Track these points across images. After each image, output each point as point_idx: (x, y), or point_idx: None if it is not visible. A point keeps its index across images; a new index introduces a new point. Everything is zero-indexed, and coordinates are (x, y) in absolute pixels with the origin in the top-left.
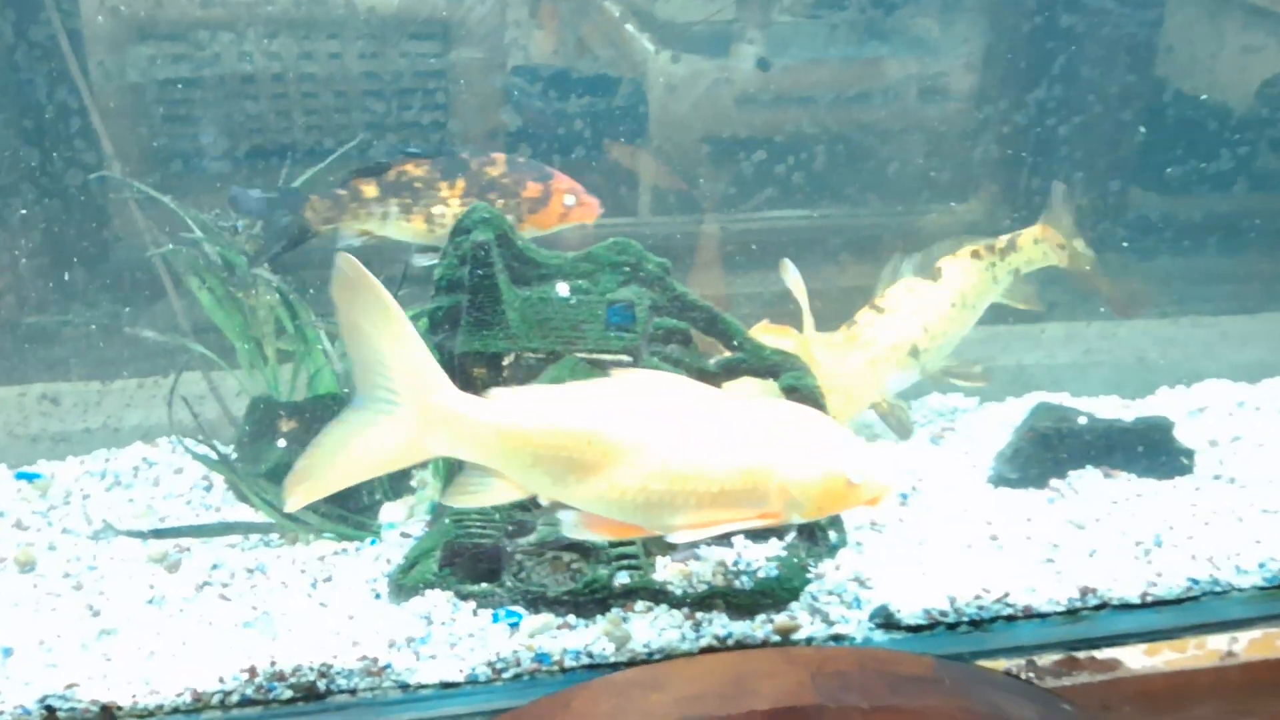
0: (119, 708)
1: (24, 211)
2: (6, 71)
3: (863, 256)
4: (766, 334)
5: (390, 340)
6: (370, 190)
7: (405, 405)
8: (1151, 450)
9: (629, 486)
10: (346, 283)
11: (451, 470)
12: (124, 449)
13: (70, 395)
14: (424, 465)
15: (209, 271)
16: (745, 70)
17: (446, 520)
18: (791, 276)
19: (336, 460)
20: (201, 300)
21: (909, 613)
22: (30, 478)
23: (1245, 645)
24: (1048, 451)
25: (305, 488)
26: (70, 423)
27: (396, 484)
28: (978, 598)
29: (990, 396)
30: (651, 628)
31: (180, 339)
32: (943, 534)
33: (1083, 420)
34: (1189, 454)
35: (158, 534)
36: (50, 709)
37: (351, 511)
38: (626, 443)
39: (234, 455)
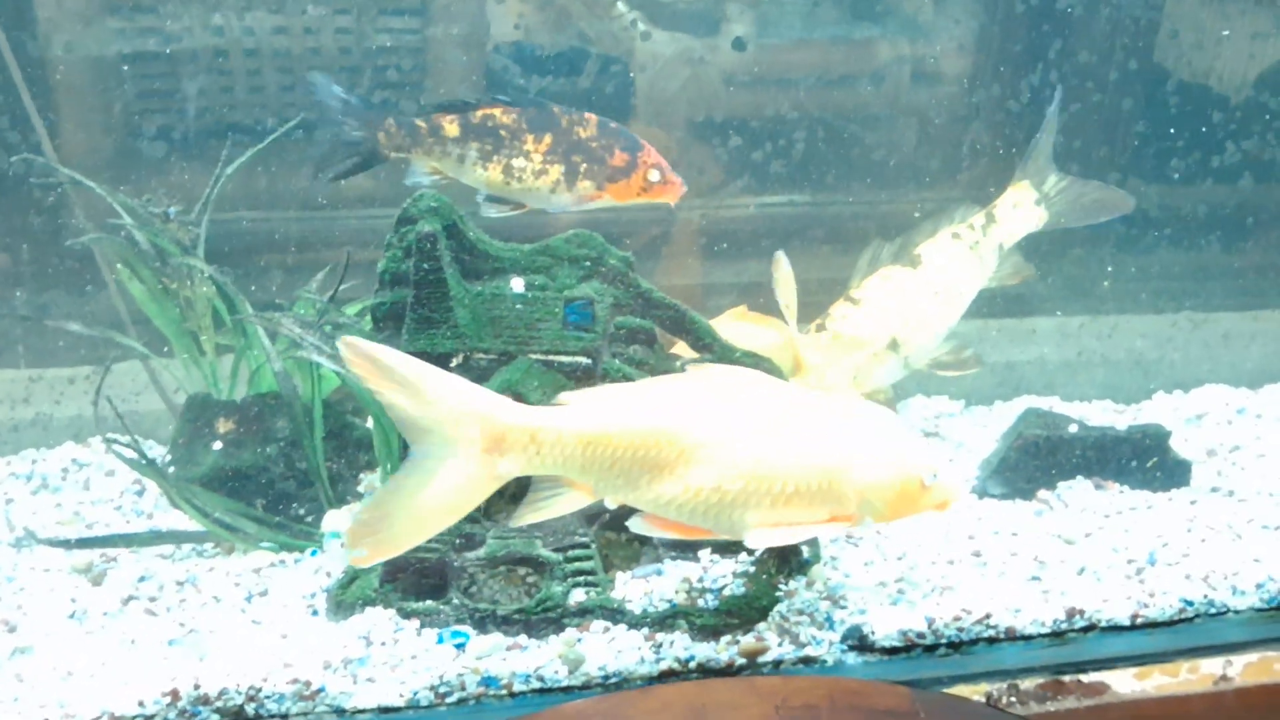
0: None
1: None
2: None
3: (842, 244)
4: (745, 320)
5: (426, 394)
6: (451, 128)
7: (466, 443)
8: (1146, 460)
9: (704, 487)
10: (359, 360)
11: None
12: (53, 449)
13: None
14: (371, 469)
15: (139, 261)
16: (729, 50)
17: None
18: (782, 271)
19: (411, 513)
20: (132, 291)
21: (884, 634)
22: None
23: (1240, 669)
24: (1036, 461)
25: (375, 543)
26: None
27: (340, 489)
28: (958, 619)
29: (977, 399)
30: (608, 649)
31: (109, 333)
32: (922, 549)
33: (1074, 428)
34: (1186, 465)
35: (83, 543)
36: None
37: (292, 519)
38: (705, 442)
39: (168, 457)
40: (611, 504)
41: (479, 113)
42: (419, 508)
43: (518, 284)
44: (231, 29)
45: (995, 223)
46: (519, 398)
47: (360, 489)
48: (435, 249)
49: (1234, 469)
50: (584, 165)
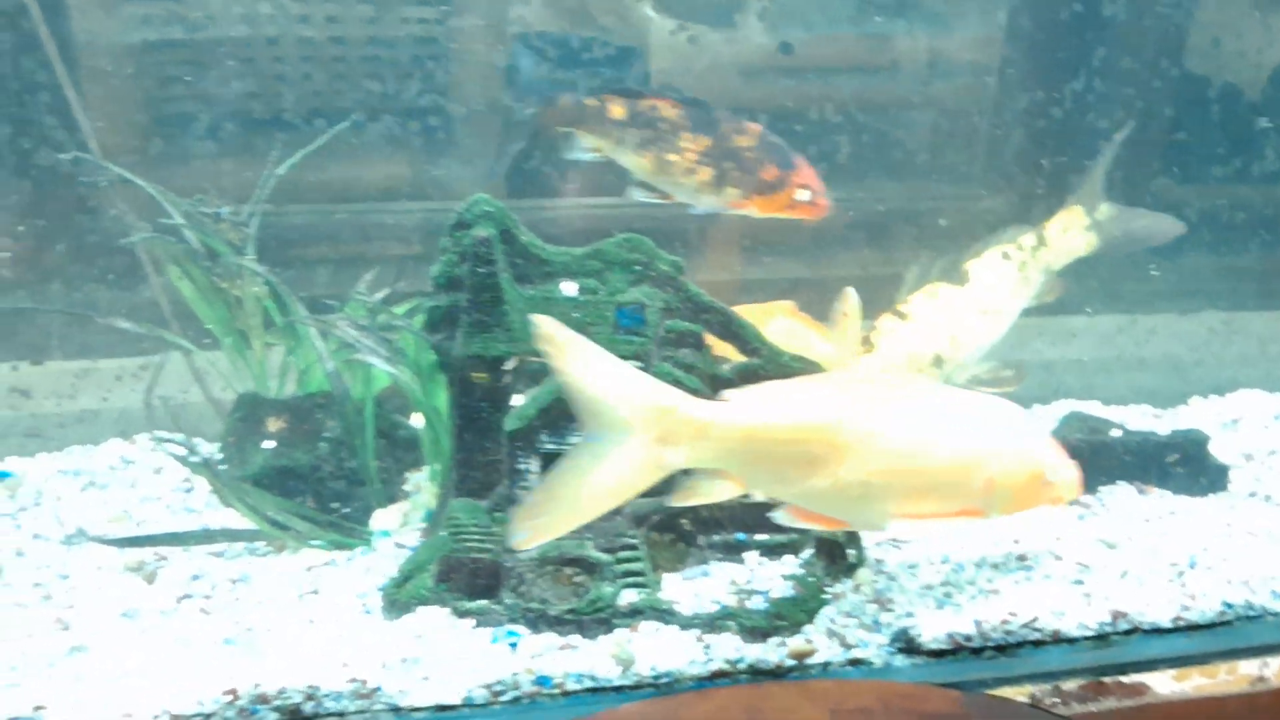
0: None
1: None
2: None
3: (867, 243)
4: (792, 319)
5: (608, 380)
6: (618, 110)
7: (639, 431)
8: (1186, 465)
9: (850, 481)
10: (550, 341)
11: (447, 477)
12: (99, 446)
13: (42, 384)
14: (417, 468)
15: (190, 260)
16: (753, 42)
17: (443, 532)
18: (850, 306)
19: (576, 496)
20: (182, 290)
21: (931, 636)
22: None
23: (1276, 670)
24: (1079, 465)
25: (539, 524)
26: (43, 415)
27: (389, 488)
28: (1004, 622)
29: (1016, 402)
30: (659, 649)
31: (158, 330)
32: (966, 552)
33: (1116, 432)
34: (1223, 470)
35: (134, 541)
36: None
37: (342, 518)
38: (855, 437)
39: (218, 456)
40: (759, 496)
41: (646, 101)
42: (584, 493)
43: (570, 288)
44: (272, 23)
45: (1045, 245)
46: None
47: (406, 488)
48: (490, 253)
49: (1271, 474)
50: (734, 173)
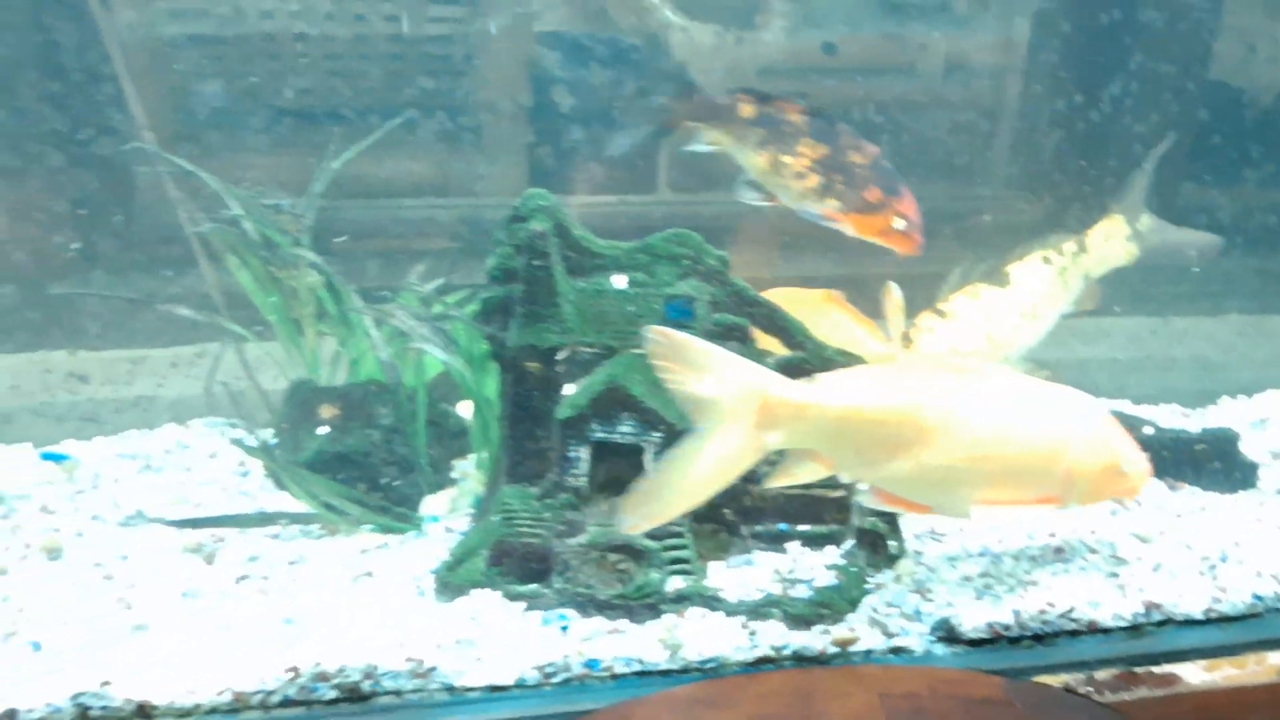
0: (154, 707)
1: (49, 176)
2: (31, 29)
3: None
4: (841, 310)
5: (715, 378)
6: (748, 110)
7: (743, 417)
8: (1217, 462)
9: (934, 465)
10: (664, 349)
11: (497, 464)
12: (155, 430)
13: (98, 370)
14: (464, 456)
15: (248, 250)
16: (771, 41)
17: (495, 518)
18: (893, 301)
19: (683, 482)
20: (241, 280)
21: (971, 626)
22: (57, 459)
23: None
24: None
25: (648, 511)
26: (100, 400)
27: (438, 475)
28: (1042, 612)
29: None
30: (705, 635)
31: (217, 318)
32: (1005, 545)
33: (1149, 430)
34: (1253, 467)
35: (193, 523)
36: (83, 707)
37: (394, 502)
38: (941, 422)
39: (273, 441)
40: (846, 479)
41: (777, 104)
42: (690, 479)
43: (620, 280)
44: (327, 19)
45: (1086, 252)
46: (623, 390)
47: (454, 475)
48: (545, 247)
49: None
50: (840, 186)
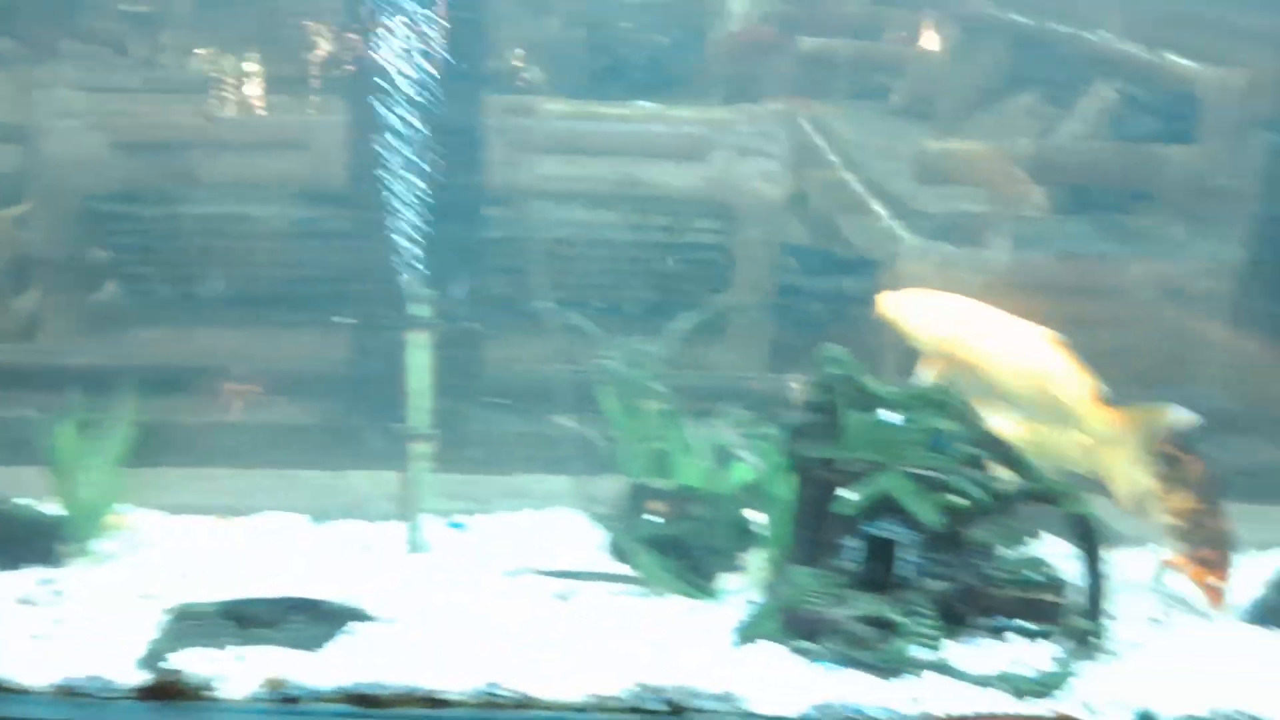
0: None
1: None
2: None
3: None
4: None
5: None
6: None
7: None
8: None
9: None
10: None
11: (786, 550)
12: (539, 511)
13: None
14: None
15: (621, 386)
16: None
17: (786, 589)
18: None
19: None
20: (609, 407)
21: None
22: (457, 526)
23: None
24: None
25: None
26: (499, 485)
27: (730, 561)
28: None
29: None
30: (941, 695)
31: (589, 433)
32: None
33: None
34: None
35: (557, 574)
36: None
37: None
38: None
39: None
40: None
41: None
42: None
43: (892, 416)
44: None
45: None
46: (891, 497)
47: (739, 564)
48: (833, 388)
49: None
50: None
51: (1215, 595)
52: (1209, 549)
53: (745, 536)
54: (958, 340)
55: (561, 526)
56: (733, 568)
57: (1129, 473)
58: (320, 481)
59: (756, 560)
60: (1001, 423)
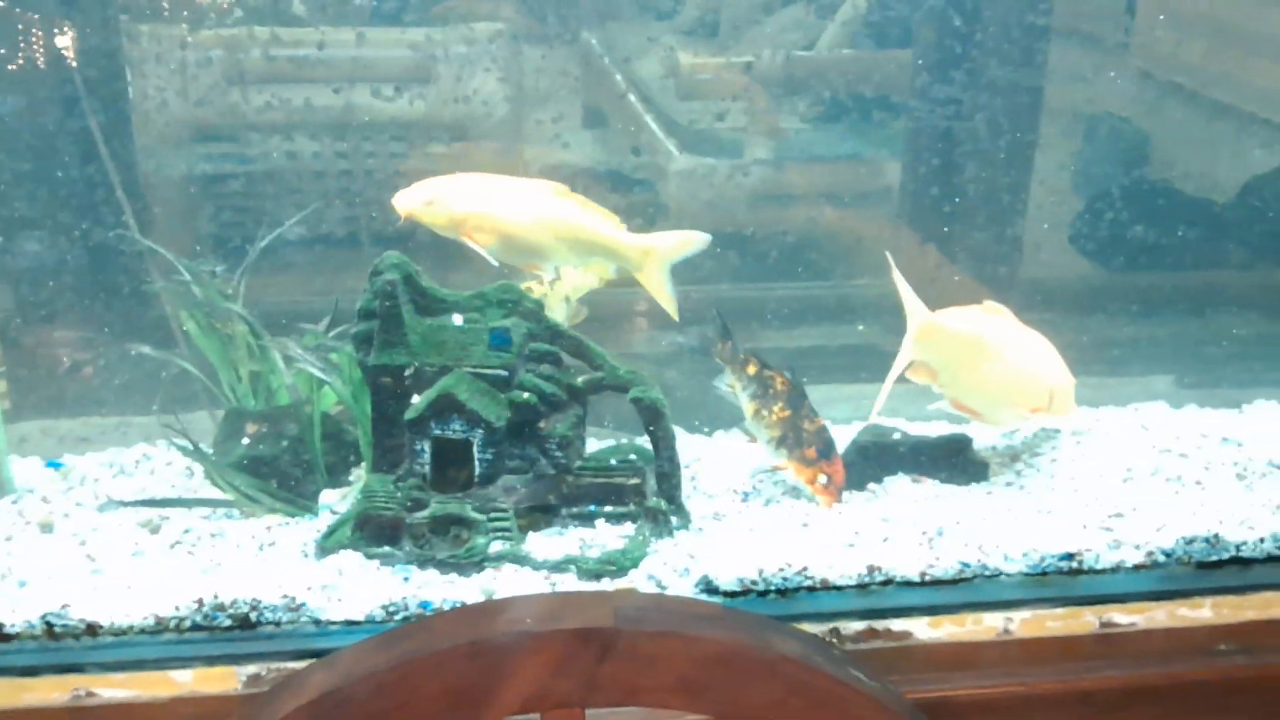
0: (100, 626)
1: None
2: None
3: None
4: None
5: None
6: (752, 369)
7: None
8: (953, 460)
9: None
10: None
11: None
12: (130, 448)
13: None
14: (359, 463)
15: (196, 307)
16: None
17: (359, 497)
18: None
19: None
20: (190, 330)
21: (725, 580)
22: (56, 466)
23: (1019, 623)
24: (866, 461)
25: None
26: (91, 424)
27: (336, 477)
28: (781, 570)
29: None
30: (514, 585)
31: (170, 355)
32: (767, 523)
33: (897, 436)
34: (985, 465)
35: (146, 503)
36: (49, 623)
37: (297, 495)
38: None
39: (211, 451)
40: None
41: (770, 371)
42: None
43: (458, 319)
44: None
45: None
46: (453, 398)
47: (350, 478)
48: (394, 292)
49: (1028, 469)
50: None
51: (828, 493)
52: (809, 449)
53: (346, 451)
54: (476, 215)
55: (161, 459)
56: (342, 484)
57: (665, 289)
58: None
59: (358, 474)
60: (574, 275)
